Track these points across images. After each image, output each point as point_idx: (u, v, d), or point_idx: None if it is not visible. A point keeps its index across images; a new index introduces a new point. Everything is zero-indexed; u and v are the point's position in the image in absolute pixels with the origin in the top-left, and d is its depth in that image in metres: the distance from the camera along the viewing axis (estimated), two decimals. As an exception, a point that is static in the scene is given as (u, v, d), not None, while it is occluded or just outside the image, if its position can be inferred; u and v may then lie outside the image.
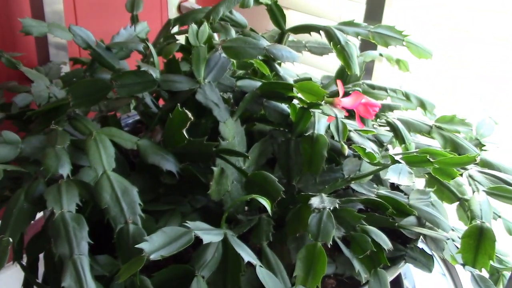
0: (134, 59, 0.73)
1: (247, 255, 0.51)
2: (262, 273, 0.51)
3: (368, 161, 0.58)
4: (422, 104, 0.84)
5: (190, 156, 0.62)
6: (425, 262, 0.66)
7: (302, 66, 1.18)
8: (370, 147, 0.62)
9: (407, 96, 0.83)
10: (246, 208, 0.69)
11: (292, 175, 0.67)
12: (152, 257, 0.46)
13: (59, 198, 0.52)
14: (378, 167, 0.58)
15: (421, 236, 0.70)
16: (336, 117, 0.60)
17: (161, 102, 0.76)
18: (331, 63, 1.10)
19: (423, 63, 0.84)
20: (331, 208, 0.55)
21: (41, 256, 0.61)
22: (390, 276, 0.65)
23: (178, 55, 0.76)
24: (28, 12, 0.95)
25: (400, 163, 0.55)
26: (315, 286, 0.51)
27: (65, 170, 0.54)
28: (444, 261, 0.96)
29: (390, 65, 0.97)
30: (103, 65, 0.65)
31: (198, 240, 0.53)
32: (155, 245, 0.47)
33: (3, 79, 0.93)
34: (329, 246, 0.53)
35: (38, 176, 0.57)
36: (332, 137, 0.72)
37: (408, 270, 0.93)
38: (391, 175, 0.52)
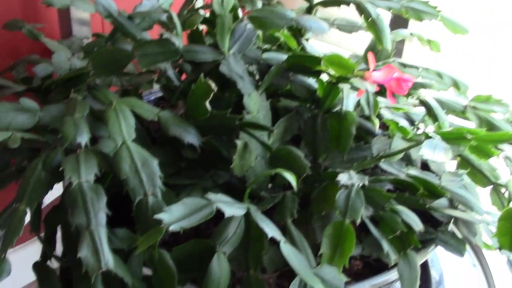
0: (157, 33, 0.71)
1: (271, 230, 0.49)
2: (286, 249, 0.48)
3: (401, 136, 0.55)
4: (456, 84, 0.80)
5: (213, 130, 0.60)
6: (457, 246, 0.63)
7: (328, 47, 1.15)
8: (404, 124, 0.59)
9: (440, 75, 0.79)
10: (269, 185, 0.66)
11: (318, 152, 0.64)
12: (171, 228, 0.44)
13: (77, 168, 0.51)
14: (410, 143, 0.55)
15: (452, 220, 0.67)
16: (367, 91, 0.57)
17: (184, 78, 0.74)
18: (358, 45, 1.07)
19: (456, 47, 0.80)
20: (360, 185, 0.52)
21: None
22: (419, 259, 0.62)
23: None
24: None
25: (435, 139, 0.52)
26: (342, 264, 0.49)
27: (83, 138, 0.52)
28: (475, 250, 0.92)
29: (421, 46, 0.93)
30: (125, 34, 0.63)
31: (219, 216, 0.51)
32: (175, 216, 0.45)
33: (25, 53, 0.92)
34: (357, 225, 0.51)
35: (57, 145, 0.55)
36: (361, 115, 0.69)
37: (435, 259, 0.90)
38: (425, 151, 0.49)
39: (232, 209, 0.48)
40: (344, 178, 0.54)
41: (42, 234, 0.60)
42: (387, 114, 0.61)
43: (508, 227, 0.55)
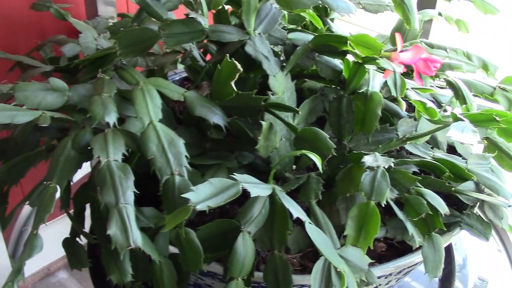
0: (182, 13, 0.71)
1: (296, 211, 0.49)
2: (311, 229, 0.49)
3: (428, 118, 0.54)
4: (485, 66, 0.79)
5: (238, 110, 0.60)
6: (482, 230, 0.62)
7: (353, 28, 1.14)
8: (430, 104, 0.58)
9: (468, 57, 0.78)
10: (294, 167, 0.66)
11: (343, 133, 0.64)
12: (199, 207, 0.44)
13: (105, 147, 0.51)
14: (438, 125, 0.55)
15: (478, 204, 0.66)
16: (394, 71, 0.56)
17: (208, 59, 0.74)
18: (383, 27, 1.05)
19: (486, 27, 0.78)
20: (386, 167, 0.52)
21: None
22: (444, 242, 0.62)
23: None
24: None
25: (463, 120, 0.51)
26: (366, 246, 0.49)
27: (111, 118, 0.52)
28: (500, 234, 0.92)
29: (449, 26, 0.91)
30: (151, 14, 0.63)
31: (244, 197, 0.51)
32: (202, 195, 0.45)
33: (52, 33, 0.93)
34: (383, 206, 0.51)
35: (85, 124, 0.56)
36: (386, 97, 0.69)
37: (459, 242, 0.90)
38: (453, 132, 0.49)
39: (258, 189, 0.48)
40: (370, 160, 0.53)
41: (72, 211, 0.61)
42: (413, 96, 0.60)
43: (535, 211, 0.55)
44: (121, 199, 0.49)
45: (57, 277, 1.22)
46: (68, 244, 0.62)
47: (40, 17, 0.92)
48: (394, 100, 0.69)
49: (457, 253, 0.86)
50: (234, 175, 0.48)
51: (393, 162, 0.56)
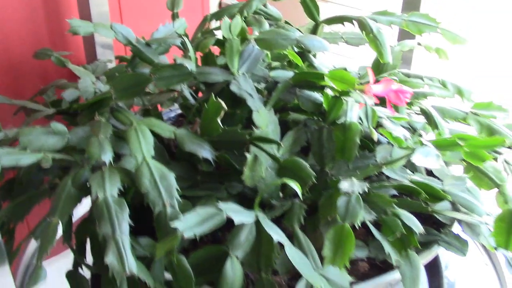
0: (174, 54, 0.77)
1: (278, 235, 0.53)
2: (291, 252, 0.53)
3: (397, 145, 0.59)
4: (460, 91, 0.84)
5: (225, 144, 0.65)
6: (459, 247, 0.66)
7: (340, 58, 1.19)
8: (402, 133, 0.63)
9: (443, 84, 0.83)
10: (281, 194, 0.71)
11: (325, 162, 0.69)
12: (186, 235, 0.49)
13: (103, 184, 0.56)
14: (408, 152, 0.59)
15: (457, 222, 0.70)
16: (365, 103, 0.61)
17: (200, 96, 0.80)
18: (369, 56, 1.11)
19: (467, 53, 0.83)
20: (360, 192, 0.57)
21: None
22: (423, 259, 0.66)
23: (217, 51, 0.79)
24: (76, 14, 1.01)
25: (427, 146, 0.56)
26: (343, 264, 0.53)
27: (107, 157, 0.57)
28: (486, 249, 0.95)
29: (429, 54, 0.97)
30: (143, 60, 0.69)
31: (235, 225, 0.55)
32: (188, 224, 0.50)
33: (54, 78, 0.99)
34: (357, 228, 0.55)
35: (84, 164, 0.61)
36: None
37: (451, 262, 0.93)
38: (417, 158, 0.53)
39: (242, 217, 0.53)
40: (346, 186, 0.58)
41: (74, 245, 0.65)
42: (387, 124, 0.65)
43: (503, 227, 0.59)
44: (117, 230, 0.53)
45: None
46: (72, 276, 0.66)
47: (43, 64, 0.98)
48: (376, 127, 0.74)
49: (447, 272, 0.89)
50: (218, 203, 0.52)
51: (369, 186, 0.61)
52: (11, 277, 0.55)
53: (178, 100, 0.78)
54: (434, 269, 0.86)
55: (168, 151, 0.70)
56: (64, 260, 1.18)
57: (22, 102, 0.83)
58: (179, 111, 0.97)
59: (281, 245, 0.64)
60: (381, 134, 0.73)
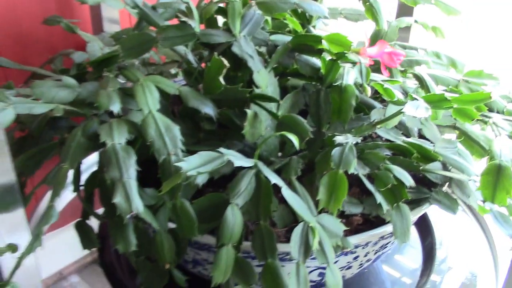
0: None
1: (275, 179, 0.57)
2: (287, 194, 0.56)
3: (388, 99, 0.62)
4: (453, 63, 0.87)
5: (227, 102, 0.68)
6: (449, 205, 0.70)
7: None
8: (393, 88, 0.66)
9: (437, 55, 0.86)
10: (280, 154, 0.74)
11: (322, 123, 0.72)
12: (189, 173, 0.52)
13: (111, 133, 0.60)
14: (400, 108, 0.62)
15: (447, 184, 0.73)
16: (360, 63, 0.64)
17: (203, 66, 0.83)
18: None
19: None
20: (354, 143, 0.60)
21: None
22: (414, 216, 0.69)
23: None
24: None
25: (418, 100, 0.59)
26: (336, 208, 0.56)
27: (115, 107, 0.61)
28: (474, 213, 0.98)
29: (425, 31, 1.00)
30: (149, 23, 0.72)
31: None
32: (192, 164, 0.53)
33: (61, 48, 1.02)
34: (351, 177, 0.58)
35: (93, 117, 0.64)
36: (359, 90, 0.77)
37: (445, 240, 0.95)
38: (408, 109, 0.56)
39: (241, 161, 0.56)
40: (340, 138, 0.61)
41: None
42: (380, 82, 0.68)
43: (489, 181, 0.62)
44: (125, 174, 0.56)
45: (69, 281, 1.28)
46: (80, 226, 0.69)
47: (50, 34, 1.01)
48: (376, 98, 0.77)
49: (441, 251, 0.93)
50: (220, 149, 0.56)
51: (364, 143, 0.64)
52: (26, 219, 0.58)
53: (182, 65, 0.81)
54: (425, 230, 0.89)
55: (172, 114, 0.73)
56: (70, 232, 1.22)
57: (32, 68, 0.87)
58: (183, 83, 1.00)
59: (280, 200, 0.68)
60: (376, 99, 0.76)
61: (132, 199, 0.54)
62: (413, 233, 0.93)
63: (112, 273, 0.87)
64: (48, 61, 0.95)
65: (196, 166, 0.53)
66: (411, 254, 0.90)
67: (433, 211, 0.94)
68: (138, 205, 0.55)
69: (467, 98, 0.60)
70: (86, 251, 1.38)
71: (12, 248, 0.54)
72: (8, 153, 0.55)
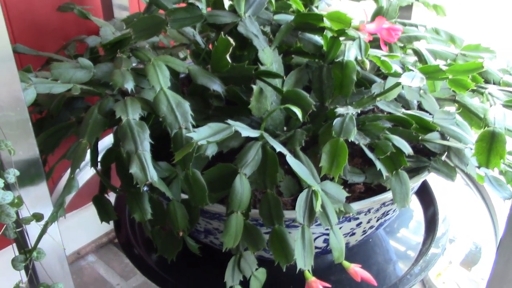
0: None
1: (280, 147, 0.60)
2: (292, 161, 0.60)
3: (385, 70, 0.66)
4: (452, 39, 0.90)
5: (234, 80, 0.72)
6: (448, 173, 0.73)
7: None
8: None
9: (437, 32, 0.89)
10: (285, 128, 0.78)
11: (325, 97, 0.75)
12: (200, 142, 0.56)
13: (125, 109, 0.64)
14: (398, 79, 0.66)
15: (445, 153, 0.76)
16: (359, 37, 0.67)
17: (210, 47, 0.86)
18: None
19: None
20: (354, 114, 0.63)
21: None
22: (414, 183, 0.73)
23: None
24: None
25: (413, 71, 0.62)
26: (337, 174, 0.60)
27: (129, 85, 0.65)
28: (474, 183, 1.01)
29: (427, 10, 1.02)
30: (159, 6, 0.76)
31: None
32: (202, 135, 0.57)
33: (74, 35, 1.06)
34: (351, 144, 0.62)
35: (108, 96, 0.68)
36: (361, 67, 0.80)
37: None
38: (404, 79, 0.60)
39: (248, 132, 0.60)
40: (341, 110, 0.65)
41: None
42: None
43: (483, 147, 0.65)
44: (140, 147, 0.61)
45: (86, 260, 1.34)
46: (98, 200, 0.74)
47: (63, 22, 1.05)
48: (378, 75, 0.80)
49: (444, 224, 0.96)
50: (228, 121, 0.60)
51: (364, 118, 0.67)
52: (48, 192, 0.63)
53: (190, 47, 0.85)
54: (428, 201, 0.93)
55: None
56: (87, 213, 1.28)
57: (47, 54, 0.91)
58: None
59: (285, 172, 0.71)
60: (378, 76, 0.80)
61: (147, 169, 0.59)
62: (417, 207, 0.97)
63: (129, 248, 0.91)
64: (62, 47, 0.99)
65: (206, 136, 0.57)
66: (416, 229, 0.94)
67: (437, 186, 0.97)
68: (153, 175, 0.59)
69: (460, 68, 0.63)
70: (102, 232, 1.44)
71: (37, 217, 0.58)
72: (31, 129, 0.59)
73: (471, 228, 0.97)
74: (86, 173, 1.07)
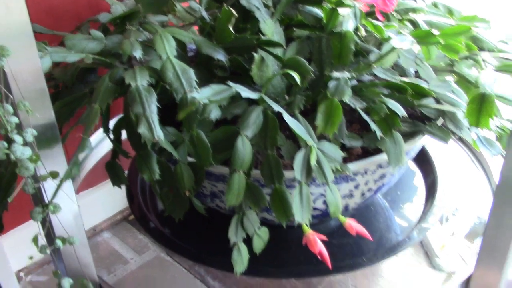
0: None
1: (277, 107, 0.64)
2: (289, 120, 0.64)
3: (378, 35, 0.69)
4: (450, 11, 0.92)
5: (237, 50, 0.76)
6: (442, 136, 0.76)
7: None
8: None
9: (435, 5, 0.92)
10: (286, 97, 0.82)
11: (324, 67, 0.79)
12: (202, 101, 0.60)
13: (134, 76, 0.68)
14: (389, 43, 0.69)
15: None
16: (354, 6, 0.71)
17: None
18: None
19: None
20: (349, 77, 0.67)
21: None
22: (409, 146, 0.76)
23: None
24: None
25: (405, 35, 0.65)
26: (332, 132, 0.64)
27: (137, 53, 0.69)
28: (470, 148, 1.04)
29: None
30: (165, -18, 0.80)
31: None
32: (204, 95, 0.61)
33: (86, 17, 1.11)
34: (344, 101, 0.65)
35: (118, 65, 0.72)
36: (362, 40, 0.83)
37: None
38: (395, 41, 0.63)
39: (248, 93, 0.64)
40: (337, 74, 0.68)
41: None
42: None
43: (474, 108, 0.68)
44: (147, 109, 0.65)
45: (102, 236, 1.39)
46: (110, 166, 0.78)
47: (76, 5, 1.11)
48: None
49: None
50: (228, 82, 0.64)
51: (361, 85, 0.70)
52: (63, 154, 0.67)
53: (197, 22, 0.89)
54: (427, 166, 0.96)
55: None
56: (103, 191, 1.33)
57: (63, 33, 0.95)
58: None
59: (286, 137, 0.75)
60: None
61: (154, 129, 0.63)
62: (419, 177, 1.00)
63: (143, 219, 0.96)
64: (76, 28, 1.04)
65: (208, 96, 0.61)
66: (418, 198, 0.97)
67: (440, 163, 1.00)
68: (160, 134, 0.63)
69: (450, 31, 0.66)
70: (117, 210, 1.49)
71: (53, 174, 0.63)
72: (48, 94, 0.63)
73: (475, 202, 1.00)
74: (100, 150, 1.13)
